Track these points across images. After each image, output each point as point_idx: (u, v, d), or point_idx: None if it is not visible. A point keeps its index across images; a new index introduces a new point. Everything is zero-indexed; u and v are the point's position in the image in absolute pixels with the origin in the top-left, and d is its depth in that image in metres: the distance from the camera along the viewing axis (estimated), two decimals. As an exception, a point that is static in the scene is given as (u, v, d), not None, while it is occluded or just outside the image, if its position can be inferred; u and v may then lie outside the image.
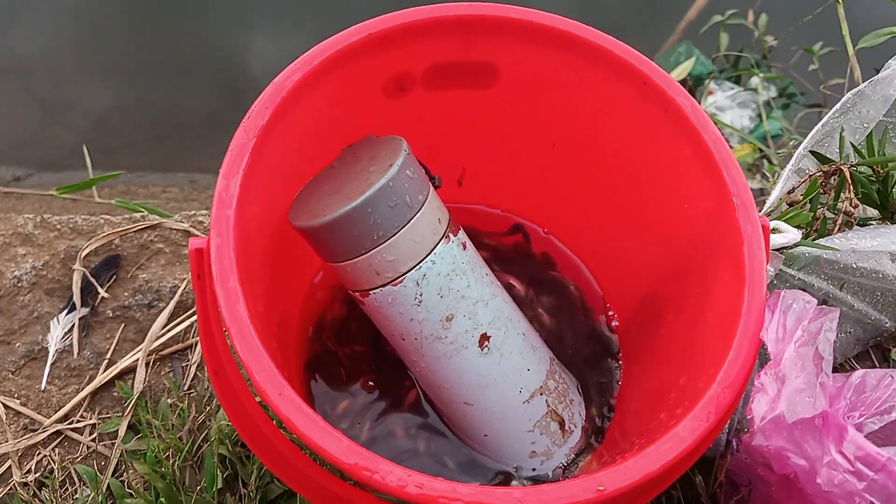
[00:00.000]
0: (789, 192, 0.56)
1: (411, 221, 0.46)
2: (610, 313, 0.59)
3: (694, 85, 1.63)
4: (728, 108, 1.61)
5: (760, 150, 1.48)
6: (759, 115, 1.57)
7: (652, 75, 0.47)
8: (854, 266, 0.52)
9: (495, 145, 0.58)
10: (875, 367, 0.67)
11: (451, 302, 0.47)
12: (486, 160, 0.59)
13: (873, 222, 0.64)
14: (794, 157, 0.59)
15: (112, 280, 0.68)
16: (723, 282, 0.43)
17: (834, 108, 0.56)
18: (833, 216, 0.57)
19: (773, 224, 0.48)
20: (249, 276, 0.42)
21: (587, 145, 0.54)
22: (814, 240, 0.51)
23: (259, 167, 0.44)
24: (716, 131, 0.45)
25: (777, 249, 0.48)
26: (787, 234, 0.47)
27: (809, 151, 0.60)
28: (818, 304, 0.40)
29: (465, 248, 0.49)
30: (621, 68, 0.48)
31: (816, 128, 0.57)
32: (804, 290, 0.52)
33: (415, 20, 0.48)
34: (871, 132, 0.61)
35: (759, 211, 0.55)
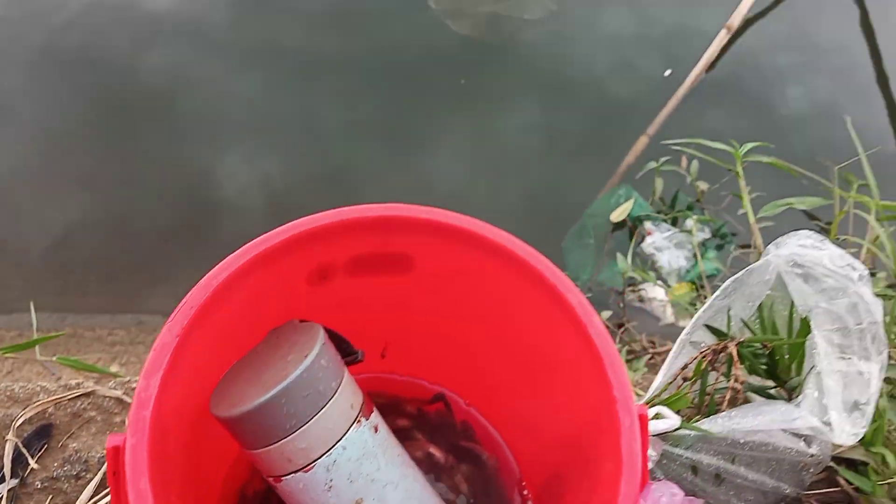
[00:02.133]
0: (683, 368, 0.61)
1: (323, 409, 0.49)
2: (525, 492, 0.62)
3: (633, 225, 1.73)
4: (665, 249, 1.71)
5: (697, 289, 1.56)
6: (695, 255, 1.66)
7: (546, 273, 0.53)
8: (741, 442, 0.56)
9: (415, 322, 0.62)
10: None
11: (361, 486, 0.50)
12: (408, 335, 0.64)
13: (772, 390, 0.69)
14: (687, 327, 0.64)
15: (43, 450, 0.68)
16: (606, 471, 0.46)
17: (715, 294, 0.62)
18: (724, 388, 0.62)
19: (655, 410, 0.52)
20: (164, 471, 0.44)
21: (496, 328, 0.59)
22: (703, 416, 0.56)
23: (181, 364, 0.47)
24: (601, 327, 0.50)
25: (658, 435, 0.52)
26: (668, 420, 0.51)
27: (704, 325, 0.65)
28: (686, 495, 0.43)
29: (376, 430, 0.52)
30: (517, 265, 0.53)
31: (704, 306, 0.63)
32: (693, 467, 0.55)
33: (338, 220, 0.54)
34: (761, 306, 0.67)
35: (647, 392, 0.60)
